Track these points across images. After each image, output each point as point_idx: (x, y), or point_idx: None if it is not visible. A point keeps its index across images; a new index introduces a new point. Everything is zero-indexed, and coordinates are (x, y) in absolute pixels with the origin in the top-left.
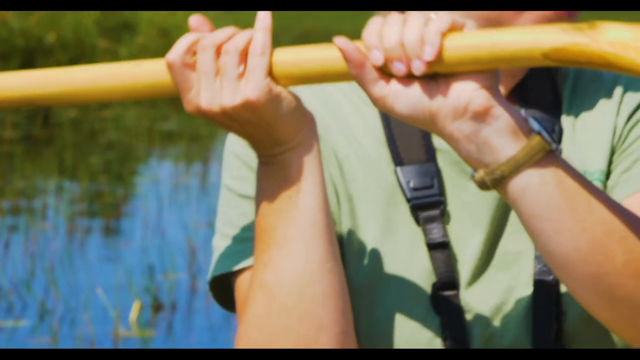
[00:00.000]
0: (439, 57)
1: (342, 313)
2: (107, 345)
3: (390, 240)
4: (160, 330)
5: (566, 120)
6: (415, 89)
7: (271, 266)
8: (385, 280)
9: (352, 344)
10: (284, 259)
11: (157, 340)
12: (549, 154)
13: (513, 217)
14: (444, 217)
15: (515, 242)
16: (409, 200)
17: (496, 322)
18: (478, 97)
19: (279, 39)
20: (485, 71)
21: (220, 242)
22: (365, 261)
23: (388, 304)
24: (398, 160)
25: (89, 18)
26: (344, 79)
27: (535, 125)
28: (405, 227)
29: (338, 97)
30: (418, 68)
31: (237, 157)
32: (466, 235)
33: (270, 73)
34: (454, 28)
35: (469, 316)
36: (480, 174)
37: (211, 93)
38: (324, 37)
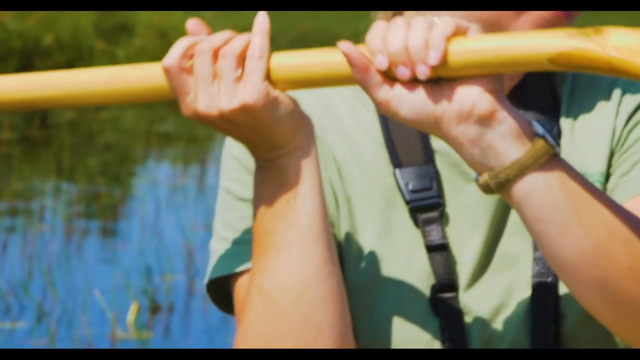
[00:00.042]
0: (443, 62)
1: (340, 316)
2: (105, 347)
3: (389, 242)
4: (157, 332)
5: (565, 122)
6: (420, 93)
7: (269, 270)
8: (384, 282)
9: (350, 347)
10: (282, 263)
11: (155, 342)
12: (553, 157)
13: (512, 219)
14: (442, 219)
15: (514, 244)
16: (407, 202)
17: (495, 324)
18: (483, 101)
19: (276, 40)
20: (490, 75)
21: (218, 245)
22: (364, 263)
23: (387, 306)
24: (397, 162)
25: (86, 20)
26: (341, 83)
27: (539, 129)
28: (404, 229)
29: (334, 97)
30: (423, 72)
31: (235, 159)
32: (465, 237)
33: (268, 77)
34: (458, 32)
35: (468, 318)
36: (485, 177)
37: (209, 97)
38: (322, 38)
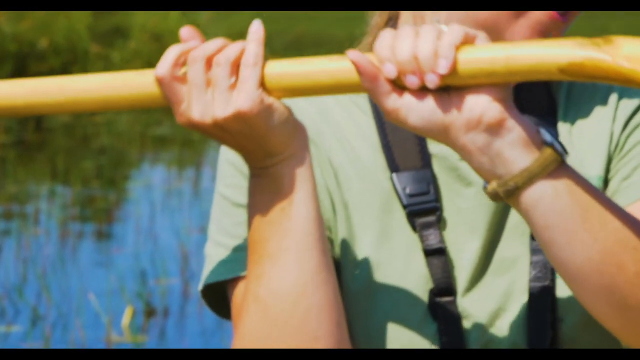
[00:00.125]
0: (453, 71)
1: (336, 324)
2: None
3: (387, 247)
4: (152, 335)
5: (562, 127)
6: (429, 101)
7: (264, 278)
8: (382, 287)
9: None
10: (277, 271)
11: (150, 346)
12: (561, 165)
13: (510, 223)
14: (440, 223)
15: (512, 248)
16: (405, 206)
17: (493, 328)
18: (492, 109)
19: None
20: (498, 83)
21: (214, 250)
22: (362, 268)
23: (385, 311)
24: (393, 167)
25: (81, 23)
26: (335, 91)
27: (547, 137)
28: (401, 234)
29: (331, 102)
30: (432, 81)
31: (231, 165)
32: (463, 241)
33: (263, 84)
34: (466, 40)
35: (466, 322)
36: (493, 185)
37: (203, 105)
38: (318, 41)
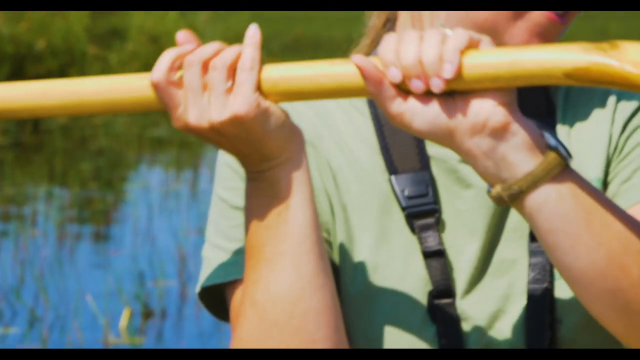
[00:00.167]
0: (458, 75)
1: (334, 328)
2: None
3: (386, 249)
4: (150, 337)
5: (561, 129)
6: (434, 106)
7: (261, 283)
8: (381, 289)
9: None
10: (274, 275)
11: (147, 347)
12: (566, 169)
13: (508, 225)
14: (439, 225)
15: (511, 250)
16: (403, 208)
17: (492, 330)
18: (496, 113)
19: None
20: (503, 88)
21: (211, 253)
22: (361, 270)
23: (384, 313)
24: (392, 169)
25: (78, 24)
26: (333, 96)
27: (552, 141)
28: (400, 236)
29: (330, 105)
30: (437, 86)
31: (230, 167)
32: (462, 243)
33: (259, 88)
34: (471, 45)
35: (465, 324)
36: (497, 189)
37: (199, 109)
38: (315, 43)
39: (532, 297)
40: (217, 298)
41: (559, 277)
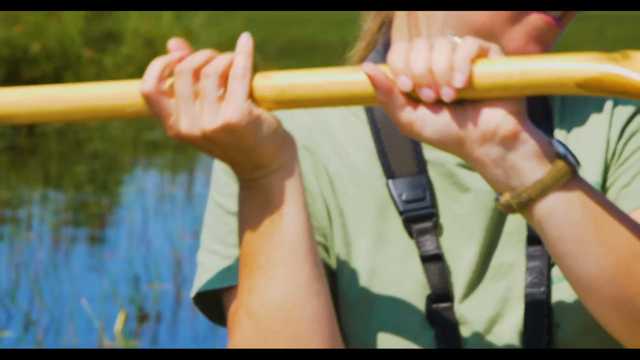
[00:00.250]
0: (468, 84)
1: (329, 335)
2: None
3: (383, 253)
4: (145, 340)
5: (558, 134)
6: (444, 114)
7: (256, 291)
8: (378, 294)
9: None
10: (268, 283)
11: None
12: (574, 177)
13: (507, 228)
14: (436, 229)
15: (509, 253)
16: (401, 213)
17: (490, 334)
18: (506, 122)
19: (264, 49)
20: (513, 97)
21: (207, 258)
22: (358, 275)
23: (382, 318)
24: (389, 173)
25: (73, 27)
26: (323, 104)
27: (560, 149)
28: (397, 240)
29: (327, 110)
30: (448, 95)
31: (226, 173)
32: (459, 247)
33: (251, 96)
34: (480, 53)
35: (463, 328)
36: (506, 197)
37: (191, 118)
38: (310, 46)
39: (529, 301)
40: (213, 302)
41: (556, 281)
